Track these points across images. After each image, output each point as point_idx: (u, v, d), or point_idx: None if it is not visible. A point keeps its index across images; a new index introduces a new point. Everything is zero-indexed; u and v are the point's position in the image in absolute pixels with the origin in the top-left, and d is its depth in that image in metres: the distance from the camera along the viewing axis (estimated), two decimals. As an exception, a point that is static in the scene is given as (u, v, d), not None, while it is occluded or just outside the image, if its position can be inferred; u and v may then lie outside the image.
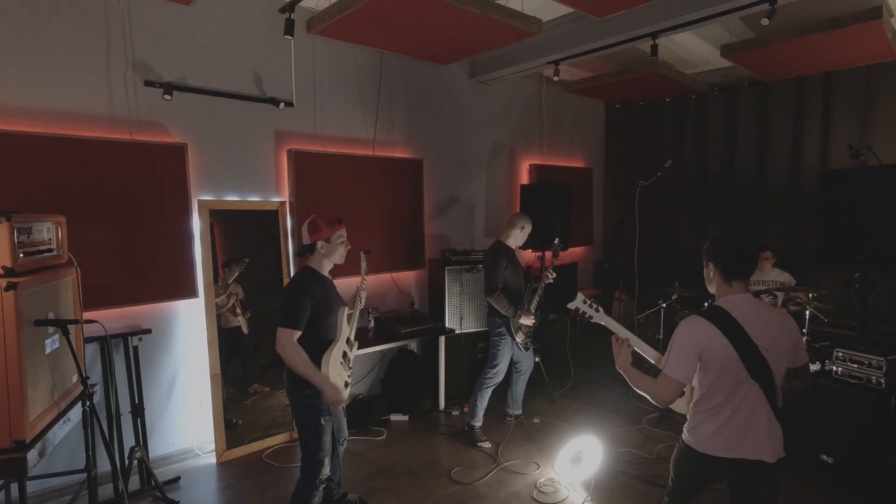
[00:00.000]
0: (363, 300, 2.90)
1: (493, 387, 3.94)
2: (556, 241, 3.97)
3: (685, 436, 2.05)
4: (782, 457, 1.92)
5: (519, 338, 3.84)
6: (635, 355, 2.13)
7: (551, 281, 3.82)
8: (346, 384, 2.70)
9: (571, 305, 2.24)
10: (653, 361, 2.18)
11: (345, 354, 2.69)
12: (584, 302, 2.23)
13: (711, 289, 2.08)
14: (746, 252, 2.01)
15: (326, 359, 2.53)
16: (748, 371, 1.87)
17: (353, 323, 2.81)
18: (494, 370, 3.89)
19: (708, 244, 2.07)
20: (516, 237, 3.90)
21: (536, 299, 3.81)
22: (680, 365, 1.90)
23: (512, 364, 4.01)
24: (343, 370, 2.66)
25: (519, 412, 4.23)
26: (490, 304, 3.86)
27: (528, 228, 3.92)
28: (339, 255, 2.65)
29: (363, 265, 2.99)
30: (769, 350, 1.88)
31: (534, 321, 3.83)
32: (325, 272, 2.65)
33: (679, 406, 2.16)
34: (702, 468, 2.00)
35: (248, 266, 3.85)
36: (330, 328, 2.60)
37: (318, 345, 2.54)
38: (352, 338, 2.77)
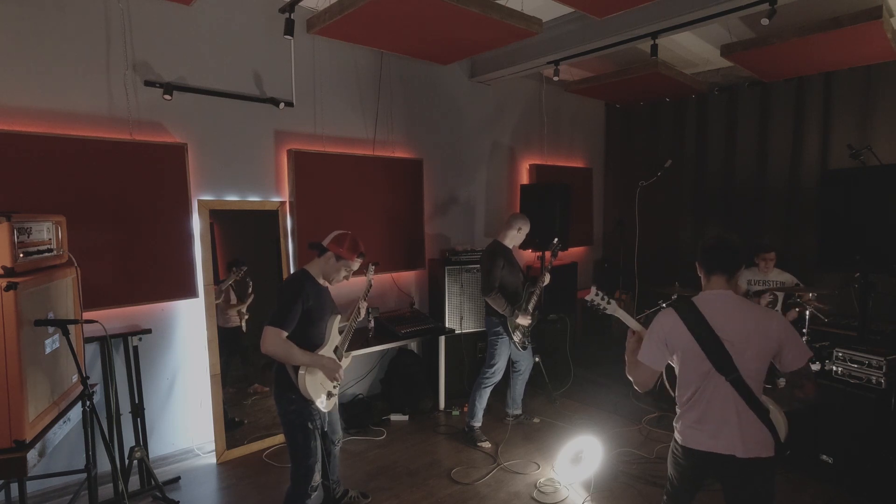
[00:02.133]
0: (362, 313, 2.87)
1: (492, 386, 3.94)
2: (555, 241, 3.97)
3: (675, 431, 2.12)
4: (762, 456, 1.92)
5: (516, 337, 3.84)
6: None
7: (545, 283, 3.83)
8: (330, 394, 2.64)
9: (587, 297, 2.34)
10: None
11: None
12: (597, 294, 2.32)
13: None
14: (726, 246, 2.07)
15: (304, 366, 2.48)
16: (712, 364, 1.94)
17: (347, 335, 2.76)
18: (492, 369, 3.89)
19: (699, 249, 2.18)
20: (513, 238, 3.90)
21: (534, 299, 3.81)
22: (649, 351, 2.03)
23: (510, 364, 4.01)
24: (326, 379, 2.60)
25: (519, 412, 4.23)
26: (487, 304, 3.86)
27: (525, 230, 3.92)
28: (333, 278, 2.63)
29: (369, 277, 2.95)
30: (734, 345, 1.93)
31: (531, 321, 3.83)
32: (321, 280, 2.63)
33: None
34: (688, 462, 2.05)
35: (247, 266, 3.84)
36: (319, 335, 2.58)
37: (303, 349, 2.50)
38: (342, 349, 2.72)
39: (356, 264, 2.66)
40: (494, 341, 3.88)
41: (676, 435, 2.09)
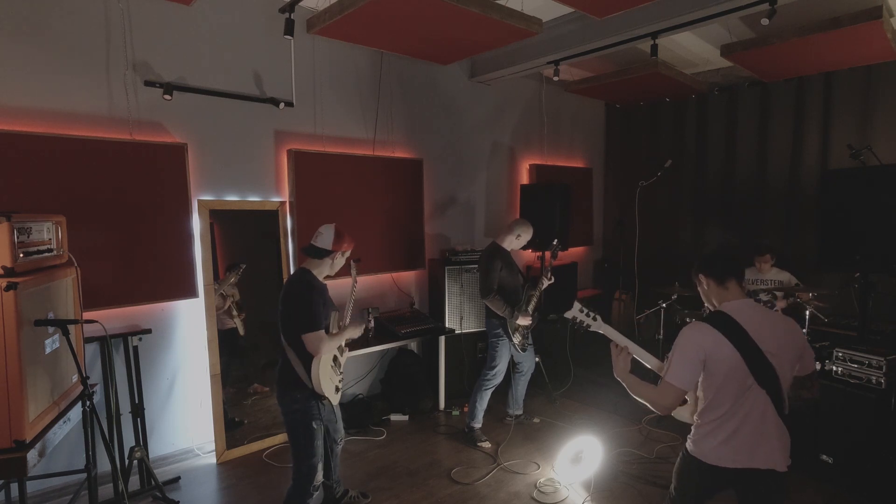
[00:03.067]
0: (350, 309, 2.92)
1: (493, 388, 3.94)
2: (554, 242, 3.96)
3: (690, 447, 2.00)
4: (789, 463, 1.90)
5: (516, 339, 3.83)
6: (634, 362, 2.10)
7: (548, 284, 3.82)
8: (337, 388, 2.71)
9: (568, 315, 2.21)
10: (651, 367, 2.15)
11: (335, 359, 2.70)
12: (581, 311, 2.19)
13: (710, 303, 2.07)
14: (724, 251, 2.06)
15: (316, 363, 2.52)
16: (755, 378, 1.83)
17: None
18: (493, 371, 3.88)
19: (694, 266, 2.10)
20: (511, 242, 3.89)
21: (534, 301, 3.80)
22: (683, 372, 1.87)
23: (513, 364, 4.01)
24: (334, 374, 2.67)
25: (520, 412, 4.23)
26: (487, 306, 3.86)
27: (525, 237, 3.90)
28: (337, 269, 2.74)
29: (353, 273, 3.01)
30: (775, 356, 1.85)
31: (531, 322, 3.83)
32: (321, 278, 2.68)
33: (682, 415, 2.12)
34: (709, 480, 1.96)
35: (247, 265, 3.84)
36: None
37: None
38: (343, 343, 2.77)
39: (353, 247, 2.78)
40: (495, 343, 3.88)
41: (696, 452, 1.96)
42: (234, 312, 3.81)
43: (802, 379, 1.99)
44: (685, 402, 2.03)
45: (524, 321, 3.78)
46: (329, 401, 2.64)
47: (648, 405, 1.95)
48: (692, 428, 2.03)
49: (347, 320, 2.84)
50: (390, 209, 4.59)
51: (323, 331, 2.51)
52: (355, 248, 2.83)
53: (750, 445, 1.86)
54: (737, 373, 1.84)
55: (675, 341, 1.95)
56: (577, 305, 2.20)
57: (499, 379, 3.93)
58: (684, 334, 1.92)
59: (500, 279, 3.79)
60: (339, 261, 2.71)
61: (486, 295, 3.78)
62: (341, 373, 2.75)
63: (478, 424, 3.96)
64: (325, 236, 2.64)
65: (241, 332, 3.86)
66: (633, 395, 2.00)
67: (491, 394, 3.95)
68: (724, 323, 1.88)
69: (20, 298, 2.05)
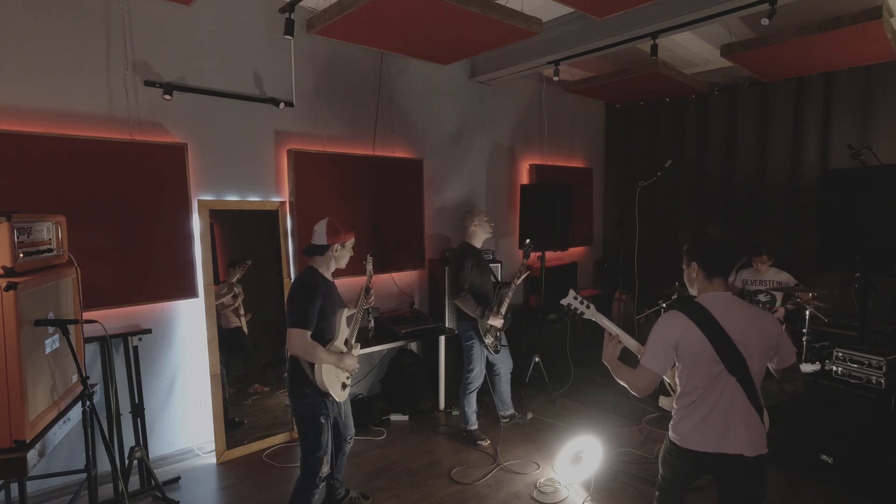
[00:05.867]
0: (372, 299, 2.90)
1: (476, 390, 3.91)
2: (527, 241, 3.96)
3: (669, 432, 2.09)
4: (763, 453, 1.95)
5: (488, 340, 3.80)
6: (625, 350, 2.18)
7: (523, 278, 3.81)
8: (344, 385, 2.72)
9: (564, 302, 2.28)
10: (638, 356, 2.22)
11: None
12: (576, 298, 2.27)
13: (692, 289, 2.14)
14: (727, 250, 2.09)
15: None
16: (724, 364, 1.92)
17: (355, 325, 2.81)
18: (471, 374, 3.86)
19: (689, 245, 2.16)
20: (477, 234, 3.86)
21: (507, 301, 3.78)
22: (655, 356, 1.99)
23: (489, 367, 3.96)
24: (340, 371, 2.68)
25: (510, 411, 4.21)
26: (458, 308, 3.81)
27: (481, 221, 3.85)
28: (345, 261, 2.73)
29: (369, 268, 3.00)
30: (744, 344, 1.93)
31: (503, 323, 3.81)
32: (328, 275, 2.69)
33: (666, 405, 2.22)
34: (686, 463, 2.04)
35: (247, 266, 3.84)
36: (330, 329, 2.63)
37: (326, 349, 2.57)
38: (352, 340, 2.77)
39: (354, 237, 2.76)
40: (469, 346, 3.85)
41: (674, 437, 2.06)
42: (242, 311, 3.82)
43: (783, 372, 2.05)
44: (659, 383, 2.09)
45: (496, 322, 3.76)
46: (335, 398, 2.65)
47: (627, 387, 2.05)
48: (672, 415, 2.11)
49: (360, 315, 2.84)
50: (390, 209, 4.59)
51: (308, 332, 2.48)
52: (363, 238, 2.82)
53: (720, 430, 1.94)
54: (705, 358, 1.93)
55: (651, 329, 2.05)
56: (571, 293, 2.27)
57: (479, 381, 3.89)
58: (658, 322, 2.04)
59: (470, 280, 3.76)
60: (343, 252, 2.69)
61: (456, 295, 3.74)
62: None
63: (473, 427, 3.94)
64: (319, 232, 2.67)
65: (246, 331, 3.85)
66: (616, 378, 2.10)
67: (477, 395, 3.93)
68: (695, 311, 1.99)
69: (20, 298, 2.04)
